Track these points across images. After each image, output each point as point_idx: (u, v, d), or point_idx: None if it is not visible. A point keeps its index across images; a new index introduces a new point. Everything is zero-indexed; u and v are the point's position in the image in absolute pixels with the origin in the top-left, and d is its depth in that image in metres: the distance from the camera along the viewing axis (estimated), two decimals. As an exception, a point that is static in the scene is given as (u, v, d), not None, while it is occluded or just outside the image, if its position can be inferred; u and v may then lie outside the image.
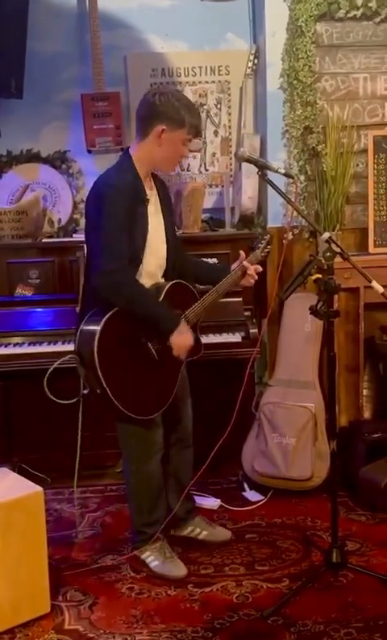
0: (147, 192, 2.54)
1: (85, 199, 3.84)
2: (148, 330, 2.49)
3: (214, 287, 2.66)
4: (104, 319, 2.40)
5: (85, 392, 2.51)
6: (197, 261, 2.92)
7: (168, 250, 2.65)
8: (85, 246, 2.62)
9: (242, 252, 2.71)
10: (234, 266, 2.72)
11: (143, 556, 2.73)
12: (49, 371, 2.56)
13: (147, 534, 2.73)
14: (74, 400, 2.58)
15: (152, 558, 2.71)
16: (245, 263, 2.68)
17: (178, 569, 2.68)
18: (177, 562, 2.71)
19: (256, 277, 2.71)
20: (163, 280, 2.65)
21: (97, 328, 2.39)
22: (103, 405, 2.49)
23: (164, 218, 2.64)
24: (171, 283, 2.61)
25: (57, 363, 2.57)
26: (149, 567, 2.70)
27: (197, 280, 2.76)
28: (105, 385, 2.39)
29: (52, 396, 2.56)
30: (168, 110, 2.44)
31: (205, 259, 3.28)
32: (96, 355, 2.37)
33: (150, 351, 2.50)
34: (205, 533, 2.91)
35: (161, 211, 2.63)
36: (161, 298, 2.55)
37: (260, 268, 2.72)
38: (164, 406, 2.59)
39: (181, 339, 2.51)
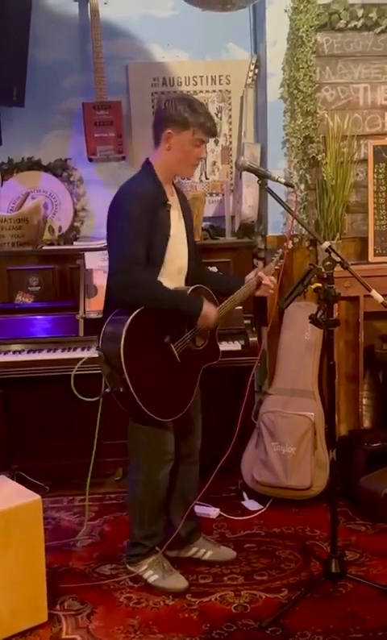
0: (169, 198, 2.58)
1: (85, 207, 3.91)
2: (171, 331, 2.51)
3: (229, 297, 2.68)
4: (129, 319, 2.41)
5: (107, 390, 2.50)
6: (212, 272, 2.96)
7: (189, 255, 2.68)
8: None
9: (260, 263, 2.70)
10: (249, 277, 2.73)
11: (140, 571, 2.67)
12: (74, 372, 2.67)
13: (146, 547, 2.68)
14: (96, 398, 2.58)
15: (151, 572, 2.65)
16: (260, 273, 2.69)
17: (179, 582, 2.64)
18: (177, 574, 2.67)
19: (272, 288, 2.70)
20: (184, 286, 2.66)
21: (123, 327, 2.39)
22: (124, 405, 2.49)
23: (185, 225, 2.68)
24: (193, 287, 2.62)
25: (78, 366, 2.68)
26: (147, 581, 2.64)
27: (212, 290, 2.74)
28: (129, 384, 2.38)
29: (78, 394, 2.59)
30: (172, 113, 2.49)
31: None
32: (122, 354, 2.37)
33: (172, 353, 2.51)
34: (210, 553, 2.85)
35: (183, 218, 2.67)
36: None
37: (275, 280, 2.73)
38: (182, 411, 2.57)
39: (207, 316, 2.53)
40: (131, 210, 2.46)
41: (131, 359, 2.40)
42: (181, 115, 2.47)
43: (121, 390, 2.43)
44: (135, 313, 2.42)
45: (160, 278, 2.53)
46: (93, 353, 3.21)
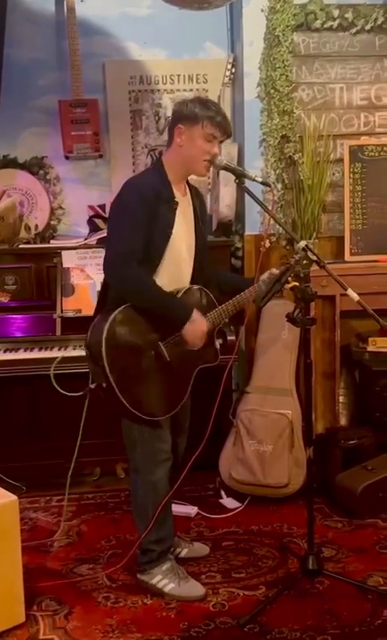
0: (178, 196, 2.55)
1: (62, 205, 3.89)
2: (160, 329, 2.49)
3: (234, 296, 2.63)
4: (115, 313, 2.41)
5: (92, 386, 2.47)
6: (224, 273, 2.95)
7: (196, 257, 2.65)
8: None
9: (274, 269, 2.64)
10: (263, 277, 2.65)
11: (154, 581, 2.59)
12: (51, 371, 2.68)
13: (155, 552, 2.60)
14: (80, 393, 2.55)
15: (166, 581, 2.57)
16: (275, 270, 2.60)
17: (197, 589, 2.57)
18: (193, 581, 2.60)
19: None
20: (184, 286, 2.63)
21: (107, 322, 2.38)
22: (109, 401, 2.45)
23: (195, 225, 2.65)
24: (186, 287, 2.60)
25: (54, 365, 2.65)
26: (163, 591, 2.56)
27: (220, 289, 2.73)
28: (110, 379, 2.36)
29: (60, 389, 2.60)
30: (182, 109, 2.51)
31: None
32: (103, 347, 2.35)
33: (161, 351, 2.49)
34: (185, 550, 2.84)
35: (194, 218, 2.65)
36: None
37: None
38: (173, 411, 2.55)
39: (194, 328, 2.50)
40: (130, 202, 2.44)
41: (113, 353, 2.37)
42: (191, 111, 2.48)
43: (104, 385, 2.40)
44: (123, 307, 2.41)
45: (158, 277, 2.49)
46: (70, 352, 3.21)
